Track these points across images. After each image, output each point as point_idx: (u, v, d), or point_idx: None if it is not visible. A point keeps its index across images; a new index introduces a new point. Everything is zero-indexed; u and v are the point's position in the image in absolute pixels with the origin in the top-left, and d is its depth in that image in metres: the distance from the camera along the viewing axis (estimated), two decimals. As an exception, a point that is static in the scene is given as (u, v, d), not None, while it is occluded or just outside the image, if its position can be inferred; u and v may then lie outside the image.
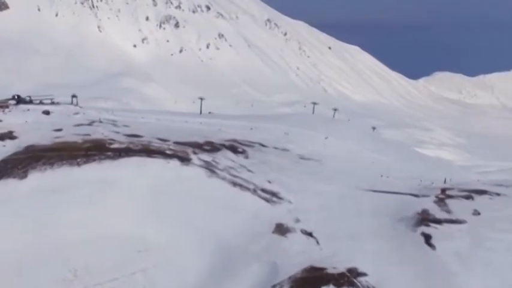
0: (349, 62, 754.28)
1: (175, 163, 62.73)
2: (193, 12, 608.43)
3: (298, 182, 66.64)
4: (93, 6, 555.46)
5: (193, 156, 65.94)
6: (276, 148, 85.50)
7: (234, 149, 75.87)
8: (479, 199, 64.16)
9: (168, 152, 66.25)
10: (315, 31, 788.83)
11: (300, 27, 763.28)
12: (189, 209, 55.96)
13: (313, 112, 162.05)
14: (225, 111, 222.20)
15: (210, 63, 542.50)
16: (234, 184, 61.17)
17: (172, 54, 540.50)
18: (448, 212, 58.12)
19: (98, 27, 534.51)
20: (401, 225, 54.90)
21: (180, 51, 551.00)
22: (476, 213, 57.83)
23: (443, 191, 66.52)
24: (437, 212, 57.56)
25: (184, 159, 64.23)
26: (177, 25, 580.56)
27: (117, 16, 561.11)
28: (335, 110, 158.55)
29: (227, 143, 78.35)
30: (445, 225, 54.23)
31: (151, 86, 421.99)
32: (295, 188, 63.84)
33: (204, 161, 65.39)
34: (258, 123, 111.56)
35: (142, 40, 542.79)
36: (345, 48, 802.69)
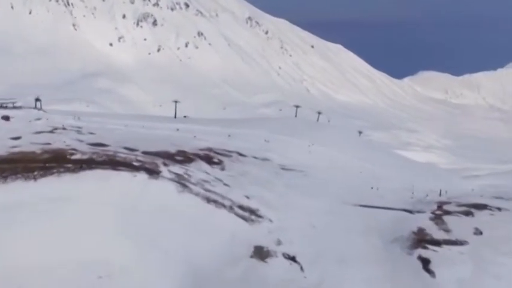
0: (333, 61, 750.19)
1: (142, 176, 57.49)
2: (172, 10, 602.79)
3: (279, 196, 61.67)
4: (68, 4, 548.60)
5: (163, 169, 60.82)
6: (255, 157, 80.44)
7: (209, 160, 70.72)
8: (479, 215, 59.79)
9: (135, 163, 61.10)
10: (298, 29, 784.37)
11: (282, 25, 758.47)
12: (157, 229, 50.76)
13: (295, 115, 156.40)
14: (203, 114, 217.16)
15: (189, 62, 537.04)
16: (208, 200, 56.07)
17: (149, 54, 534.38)
18: (447, 231, 53.69)
19: (73, 25, 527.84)
20: (396, 246, 50.36)
21: (158, 50, 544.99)
22: (478, 232, 53.45)
23: (439, 206, 62.02)
24: (435, 231, 53.18)
25: (153, 172, 59.10)
26: (154, 23, 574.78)
27: (92, 14, 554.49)
28: (319, 113, 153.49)
29: (202, 153, 73.25)
30: (445, 248, 49.74)
31: (128, 86, 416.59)
32: (277, 204, 58.86)
33: (175, 173, 60.28)
34: (237, 129, 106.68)
35: (119, 39, 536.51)
36: (328, 47, 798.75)
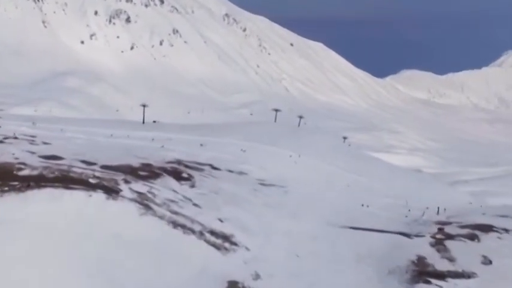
0: (313, 60, 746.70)
1: (99, 196, 51.22)
2: (146, 6, 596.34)
3: (258, 218, 55.48)
4: (38, 0, 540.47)
5: (123, 186, 54.48)
6: (230, 171, 74.09)
7: (177, 175, 64.19)
8: (486, 239, 54.30)
9: (92, 180, 54.77)
10: (276, 27, 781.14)
11: (261, 22, 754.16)
12: (114, 261, 44.52)
13: (275, 120, 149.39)
14: (177, 117, 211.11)
15: (163, 61, 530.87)
16: (175, 224, 49.82)
17: (122, 52, 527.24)
18: (451, 260, 47.97)
19: (43, 22, 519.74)
20: (393, 280, 44.54)
21: (131, 48, 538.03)
22: (487, 261, 47.80)
23: (440, 228, 56.08)
24: (437, 261, 47.47)
25: (112, 191, 52.81)
26: (128, 20, 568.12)
27: (63, 10, 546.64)
28: (300, 117, 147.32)
29: (169, 166, 66.73)
30: (450, 282, 44.09)
31: (99, 86, 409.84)
32: (254, 228, 52.73)
33: (137, 192, 53.97)
34: (210, 136, 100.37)
35: (91, 36, 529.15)
36: (308, 45, 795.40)
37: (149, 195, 54.39)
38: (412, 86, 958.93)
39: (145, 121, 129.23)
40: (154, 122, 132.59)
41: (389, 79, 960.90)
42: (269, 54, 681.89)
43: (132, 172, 60.66)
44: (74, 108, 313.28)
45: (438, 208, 68.96)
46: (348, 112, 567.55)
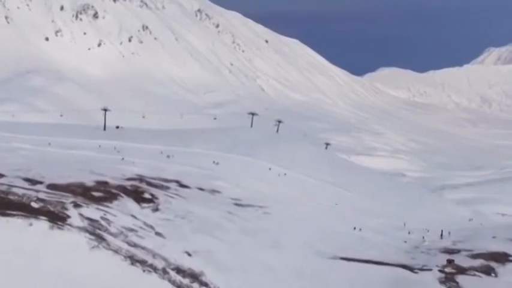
0: (288, 57, 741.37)
1: (42, 225, 44.68)
2: (114, 1, 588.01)
3: (233, 250, 48.34)
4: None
5: (72, 212, 47.48)
6: (201, 189, 66.72)
7: (138, 195, 56.79)
8: (503, 272, 48.34)
9: (34, 204, 48.03)
10: (251, 23, 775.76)
11: (234, 18, 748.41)
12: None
13: (251, 125, 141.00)
14: (146, 120, 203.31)
15: (132, 58, 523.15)
16: (133, 260, 42.88)
17: (89, 49, 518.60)
18: (467, 302, 41.04)
19: (6, 17, 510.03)
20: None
21: (99, 45, 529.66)
22: (510, 303, 40.90)
23: (450, 260, 49.11)
24: (450, 304, 40.54)
25: (58, 218, 46.08)
26: (95, 16, 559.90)
27: (27, 5, 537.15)
28: (279, 122, 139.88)
29: (129, 185, 59.30)
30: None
31: (65, 85, 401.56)
32: (229, 263, 45.67)
33: (88, 219, 46.97)
34: (179, 146, 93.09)
35: (56, 33, 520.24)
36: (283, 42, 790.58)
37: (103, 222, 47.28)
38: (392, 84, 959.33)
39: (109, 126, 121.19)
40: (117, 127, 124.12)
41: (367, 77, 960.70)
42: (243, 51, 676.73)
43: (85, 193, 53.46)
44: (37, 109, 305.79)
45: (442, 231, 62.08)
46: (325, 112, 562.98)
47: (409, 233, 61.50)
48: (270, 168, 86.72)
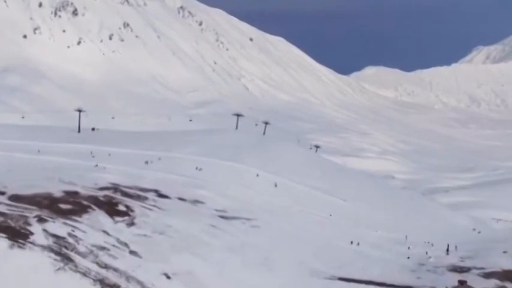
0: (273, 56, 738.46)
1: (1, 244, 39.50)
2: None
3: (217, 270, 43.98)
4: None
5: (36, 228, 43.02)
6: (182, 199, 62.12)
7: (111, 207, 52.21)
8: None
9: (-8, 220, 42.79)
10: (235, 20, 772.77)
11: (218, 16, 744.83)
12: None
13: (236, 127, 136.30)
14: (126, 121, 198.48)
15: (113, 57, 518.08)
16: (104, 285, 38.98)
17: (69, 47, 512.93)
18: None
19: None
20: None
21: (79, 43, 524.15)
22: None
23: (462, 282, 44.57)
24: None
25: (19, 235, 41.31)
26: (75, 13, 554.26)
27: (5, 2, 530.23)
28: (265, 123, 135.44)
29: (102, 195, 54.69)
30: None
31: (43, 84, 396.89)
32: (214, 286, 40.91)
33: (53, 236, 42.53)
34: (159, 150, 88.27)
35: (34, 30, 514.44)
36: (268, 40, 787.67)
37: (70, 240, 42.83)
38: (379, 83, 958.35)
39: (85, 128, 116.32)
40: (93, 129, 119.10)
41: (354, 76, 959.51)
42: (227, 49, 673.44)
43: (51, 205, 48.94)
44: (14, 109, 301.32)
45: (448, 246, 57.60)
46: (312, 112, 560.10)
47: (409, 248, 57.17)
48: (257, 175, 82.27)
